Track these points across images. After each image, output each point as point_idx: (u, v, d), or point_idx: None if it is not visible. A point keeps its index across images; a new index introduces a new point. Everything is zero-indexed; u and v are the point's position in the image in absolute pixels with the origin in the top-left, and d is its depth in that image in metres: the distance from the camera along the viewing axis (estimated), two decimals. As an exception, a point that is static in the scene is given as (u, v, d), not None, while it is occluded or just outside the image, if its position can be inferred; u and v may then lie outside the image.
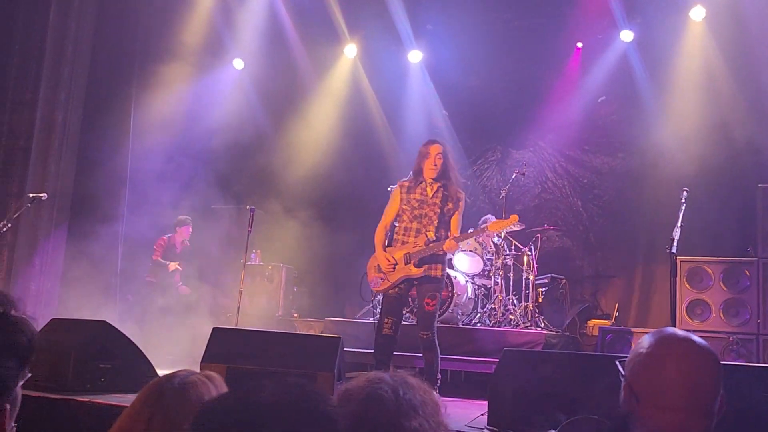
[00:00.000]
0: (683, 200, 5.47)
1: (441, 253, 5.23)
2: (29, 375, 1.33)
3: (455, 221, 5.32)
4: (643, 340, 1.65)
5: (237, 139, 9.55)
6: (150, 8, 9.57)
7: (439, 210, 5.27)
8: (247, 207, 8.01)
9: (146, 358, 4.76)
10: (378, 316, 5.64)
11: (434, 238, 5.21)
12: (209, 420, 1.04)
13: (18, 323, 1.09)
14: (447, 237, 5.21)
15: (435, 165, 5.25)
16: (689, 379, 1.55)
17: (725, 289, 7.11)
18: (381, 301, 5.55)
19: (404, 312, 5.90)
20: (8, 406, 1.11)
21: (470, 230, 6.45)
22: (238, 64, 10.30)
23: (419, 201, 5.30)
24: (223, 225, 9.58)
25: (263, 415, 1.00)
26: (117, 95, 9.40)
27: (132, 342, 4.81)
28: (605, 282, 9.48)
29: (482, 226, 5.87)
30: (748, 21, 8.05)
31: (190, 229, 8.94)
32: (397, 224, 5.43)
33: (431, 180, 5.30)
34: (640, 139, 9.10)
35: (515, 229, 5.62)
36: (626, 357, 1.67)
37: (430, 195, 5.30)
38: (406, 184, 5.40)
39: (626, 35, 9.18)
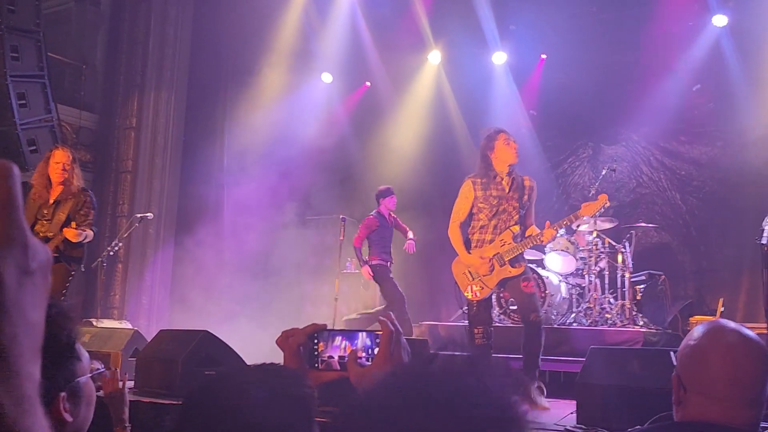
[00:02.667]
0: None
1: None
2: (99, 370, 1.53)
3: (532, 210, 5.15)
4: (694, 332, 1.68)
5: (327, 150, 9.83)
6: (240, 30, 10.01)
7: (517, 204, 5.06)
8: (339, 216, 8.21)
9: (246, 364, 5.00)
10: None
11: (519, 233, 5.05)
12: (193, 415, 1.16)
13: (57, 320, 1.25)
14: (525, 230, 5.07)
15: (514, 151, 5.03)
16: (734, 369, 1.56)
17: (838, 279, 6.71)
18: (467, 308, 5.33)
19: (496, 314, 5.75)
20: (64, 395, 1.28)
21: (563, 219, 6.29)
22: (327, 77, 10.59)
23: (497, 197, 5.07)
24: (316, 235, 9.88)
25: (243, 395, 1.12)
26: (213, 116, 9.91)
27: (233, 350, 5.08)
28: (709, 277, 9.12)
29: (575, 212, 5.37)
30: None
31: (395, 199, 8.29)
32: (472, 223, 5.20)
33: (504, 172, 5.07)
34: (739, 126, 8.72)
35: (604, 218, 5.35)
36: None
37: (507, 189, 5.08)
38: (479, 180, 5.14)
39: (719, 20, 8.82)
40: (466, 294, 5.18)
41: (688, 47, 9.14)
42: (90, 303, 8.72)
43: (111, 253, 7.45)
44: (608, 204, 5.30)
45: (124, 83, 9.79)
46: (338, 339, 1.49)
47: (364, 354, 1.47)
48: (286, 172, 9.68)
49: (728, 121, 8.95)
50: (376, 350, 1.44)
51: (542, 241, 5.08)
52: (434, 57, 10.40)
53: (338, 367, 1.48)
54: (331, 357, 1.49)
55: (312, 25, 10.13)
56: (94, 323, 6.96)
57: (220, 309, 9.08)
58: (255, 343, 7.62)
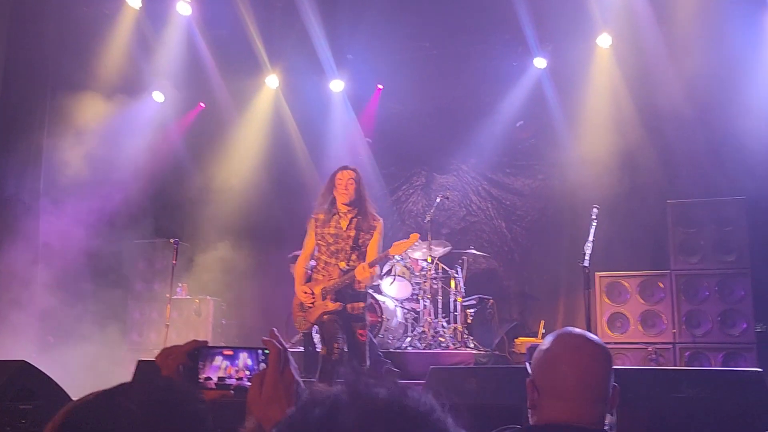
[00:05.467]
0: (594, 217, 5.74)
1: (361, 290, 5.20)
2: None
3: (371, 249, 5.22)
4: (545, 339, 1.78)
5: (158, 171, 9.42)
6: (63, 43, 9.36)
7: (352, 243, 5.18)
8: (171, 240, 7.88)
9: (69, 396, 4.61)
10: (320, 345, 5.51)
11: (347, 268, 5.14)
12: (75, 423, 1.05)
13: None
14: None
15: (346, 190, 5.15)
16: (580, 370, 1.67)
17: (642, 301, 7.40)
18: (319, 331, 5.42)
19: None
20: None
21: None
22: (158, 96, 10.15)
23: (334, 236, 5.20)
24: (146, 259, 9.39)
25: (128, 415, 1.03)
26: (29, 133, 9.12)
27: (53, 381, 4.65)
28: (531, 300, 9.71)
29: (386, 250, 5.54)
30: (647, 48, 8.53)
31: None
32: (315, 259, 5.31)
33: (345, 210, 5.19)
34: (557, 161, 9.44)
35: (418, 256, 5.58)
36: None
37: (344, 228, 5.20)
38: (321, 216, 5.27)
39: (539, 62, 9.53)
40: (295, 324, 5.40)
41: (512, 85, 9.78)
42: None
43: None
44: (417, 243, 5.68)
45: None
46: (218, 359, 1.43)
47: (247, 373, 1.41)
48: (113, 193, 9.10)
49: (548, 155, 9.66)
50: (261, 367, 1.40)
51: (358, 281, 5.12)
52: (272, 81, 10.33)
53: (214, 388, 1.41)
54: (208, 378, 1.42)
55: (145, 42, 9.68)
56: None
57: (34, 338, 8.31)
58: (75, 373, 7.07)
